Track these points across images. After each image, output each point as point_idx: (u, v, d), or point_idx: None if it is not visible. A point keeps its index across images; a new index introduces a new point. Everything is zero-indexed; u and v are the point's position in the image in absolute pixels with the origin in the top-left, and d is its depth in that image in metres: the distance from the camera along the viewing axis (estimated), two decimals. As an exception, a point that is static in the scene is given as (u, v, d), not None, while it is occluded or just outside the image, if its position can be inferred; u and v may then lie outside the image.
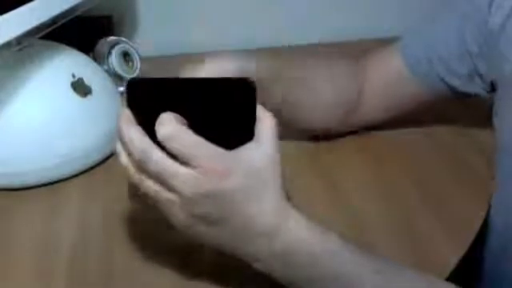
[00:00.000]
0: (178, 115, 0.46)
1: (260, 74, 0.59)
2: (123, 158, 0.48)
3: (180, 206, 0.46)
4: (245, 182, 0.46)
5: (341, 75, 0.73)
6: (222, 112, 0.47)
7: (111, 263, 0.59)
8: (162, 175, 0.45)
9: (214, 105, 0.47)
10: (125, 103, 0.48)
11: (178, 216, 0.47)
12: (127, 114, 0.47)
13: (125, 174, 0.49)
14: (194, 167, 0.45)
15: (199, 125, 0.46)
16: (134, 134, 0.46)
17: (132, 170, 0.47)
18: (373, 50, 0.76)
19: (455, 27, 0.67)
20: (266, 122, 0.47)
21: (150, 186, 0.47)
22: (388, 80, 0.73)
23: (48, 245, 0.62)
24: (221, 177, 0.45)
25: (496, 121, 0.66)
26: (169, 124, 0.45)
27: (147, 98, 0.47)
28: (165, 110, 0.46)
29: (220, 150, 0.46)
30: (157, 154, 0.45)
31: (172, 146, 0.45)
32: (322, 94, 0.71)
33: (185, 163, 0.45)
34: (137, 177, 0.47)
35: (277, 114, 0.62)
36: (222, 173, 0.45)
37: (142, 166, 0.46)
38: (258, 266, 0.49)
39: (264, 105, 0.51)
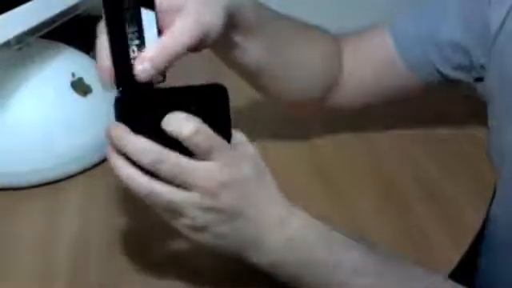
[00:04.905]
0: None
1: (249, 17, 0.57)
2: (126, 170, 0.46)
3: (196, 206, 0.46)
4: (254, 169, 0.48)
5: (327, 50, 0.71)
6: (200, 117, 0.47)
7: (112, 263, 0.59)
8: (181, 174, 0.45)
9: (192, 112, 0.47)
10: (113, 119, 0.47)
11: (193, 217, 0.47)
12: (121, 126, 0.46)
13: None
14: (210, 160, 0.46)
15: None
16: (139, 141, 0.45)
17: (138, 180, 0.46)
18: (362, 31, 0.74)
19: (453, 16, 0.66)
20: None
21: (163, 191, 0.46)
22: (377, 60, 0.71)
23: (48, 245, 0.62)
24: (236, 167, 0.47)
25: (497, 121, 0.66)
26: (190, 121, 0.45)
27: (134, 112, 0.47)
28: (151, 122, 0.46)
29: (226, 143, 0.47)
30: (171, 155, 0.45)
31: (197, 140, 0.45)
32: (306, 62, 0.69)
33: (200, 158, 0.46)
34: (145, 186, 0.46)
35: (256, 71, 0.63)
36: (236, 162, 0.47)
37: (153, 172, 0.45)
38: (264, 261, 0.49)
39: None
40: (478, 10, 0.64)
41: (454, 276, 0.57)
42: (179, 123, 0.45)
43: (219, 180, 0.46)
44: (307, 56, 0.68)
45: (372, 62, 0.72)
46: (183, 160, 0.45)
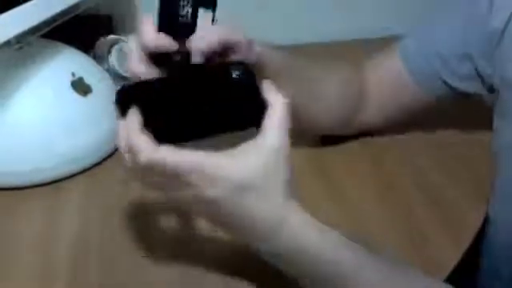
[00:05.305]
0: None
1: (274, 65, 0.60)
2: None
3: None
4: (230, 186, 0.45)
5: (345, 79, 0.73)
6: (224, 98, 0.46)
7: (112, 263, 0.59)
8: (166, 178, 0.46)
9: (214, 92, 0.46)
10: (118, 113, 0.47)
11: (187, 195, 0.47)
12: (123, 123, 0.47)
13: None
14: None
15: (202, 114, 0.46)
16: (138, 140, 0.45)
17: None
18: (373, 54, 0.76)
19: (456, 28, 0.67)
20: (274, 109, 0.47)
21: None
22: (388, 83, 0.73)
23: (48, 244, 0.62)
24: (198, 192, 0.45)
25: (498, 121, 0.66)
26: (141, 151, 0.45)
27: (142, 102, 0.46)
28: (163, 110, 0.45)
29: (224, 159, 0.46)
30: (158, 164, 0.45)
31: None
32: (327, 96, 0.71)
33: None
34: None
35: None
36: (203, 184, 0.45)
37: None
38: (265, 257, 0.50)
39: None
40: (479, 18, 0.64)
41: (456, 276, 0.57)
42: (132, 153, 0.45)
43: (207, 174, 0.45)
44: (325, 87, 0.70)
45: (384, 84, 0.73)
46: (169, 165, 0.45)
